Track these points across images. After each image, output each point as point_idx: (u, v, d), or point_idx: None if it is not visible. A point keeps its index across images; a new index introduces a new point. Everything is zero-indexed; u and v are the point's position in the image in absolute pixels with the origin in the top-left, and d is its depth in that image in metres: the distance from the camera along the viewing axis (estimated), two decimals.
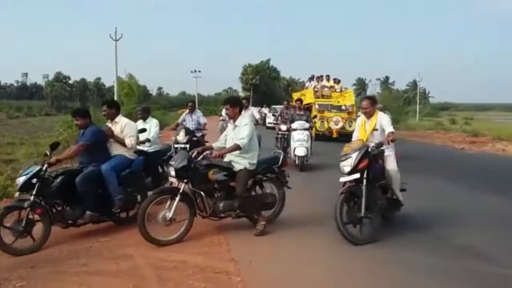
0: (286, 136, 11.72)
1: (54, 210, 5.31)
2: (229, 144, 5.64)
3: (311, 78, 22.78)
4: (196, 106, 11.24)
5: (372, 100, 6.00)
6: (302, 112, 11.16)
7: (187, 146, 8.44)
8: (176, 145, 8.74)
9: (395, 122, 21.53)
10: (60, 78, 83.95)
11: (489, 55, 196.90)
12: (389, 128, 5.67)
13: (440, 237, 5.59)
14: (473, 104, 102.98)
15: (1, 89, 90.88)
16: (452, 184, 9.54)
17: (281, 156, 5.97)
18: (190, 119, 9.89)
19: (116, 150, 5.87)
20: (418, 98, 54.67)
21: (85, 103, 77.85)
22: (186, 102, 11.24)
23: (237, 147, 5.41)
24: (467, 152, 16.71)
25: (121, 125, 5.96)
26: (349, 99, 20.00)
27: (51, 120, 30.65)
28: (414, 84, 69.43)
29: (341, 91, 21.26)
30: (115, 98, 31.46)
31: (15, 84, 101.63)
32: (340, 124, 19.18)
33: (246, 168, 5.47)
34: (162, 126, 33.00)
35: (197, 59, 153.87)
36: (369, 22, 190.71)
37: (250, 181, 5.57)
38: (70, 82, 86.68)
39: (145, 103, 36.97)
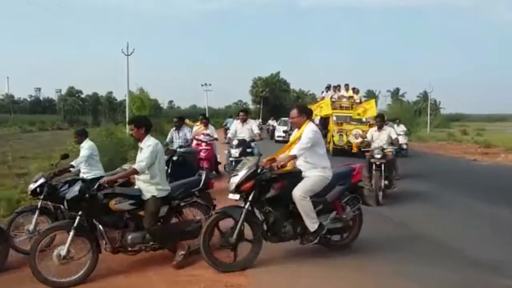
0: None
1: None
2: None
3: (328, 88, 20.72)
4: (208, 119, 11.38)
5: (301, 109, 5.28)
6: None
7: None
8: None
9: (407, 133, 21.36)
10: (73, 93, 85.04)
11: (501, 66, 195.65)
12: (294, 150, 5.00)
13: (448, 250, 5.55)
14: (484, 114, 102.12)
15: (15, 103, 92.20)
16: (460, 194, 9.47)
17: (203, 178, 5.41)
18: (177, 136, 9.46)
19: None
20: (429, 109, 54.35)
21: (97, 117, 78.78)
22: (198, 115, 11.52)
23: (133, 172, 4.82)
24: (479, 163, 16.55)
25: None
26: (370, 111, 17.58)
27: (63, 134, 31.02)
28: (424, 95, 69.18)
29: (360, 101, 19.19)
30: (127, 112, 31.87)
31: (28, 99, 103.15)
32: (361, 138, 17.21)
33: (154, 196, 4.84)
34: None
35: (208, 72, 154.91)
36: (379, 34, 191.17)
37: (165, 209, 4.97)
38: (83, 96, 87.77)
39: (156, 117, 37.42)
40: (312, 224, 4.86)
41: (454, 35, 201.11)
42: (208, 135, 10.43)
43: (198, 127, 10.98)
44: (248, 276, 4.62)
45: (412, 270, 4.79)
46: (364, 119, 17.95)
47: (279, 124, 29.70)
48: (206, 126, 10.65)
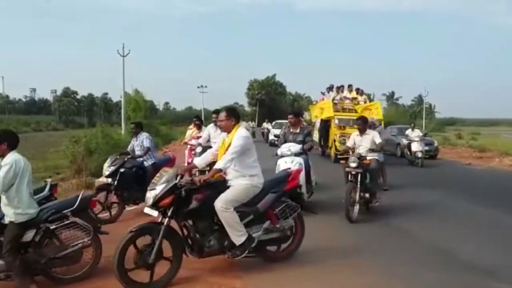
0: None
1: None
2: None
3: (330, 88, 18.69)
4: (203, 121, 11.13)
5: (229, 112, 4.85)
6: (298, 130, 8.02)
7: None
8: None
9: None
10: (68, 93, 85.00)
11: (495, 70, 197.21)
12: (220, 163, 4.54)
13: (444, 252, 5.57)
14: (479, 119, 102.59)
15: (10, 104, 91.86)
16: (455, 198, 9.50)
17: (80, 197, 4.85)
18: (136, 144, 8.28)
19: None
20: (424, 113, 54.62)
21: (92, 118, 78.58)
22: (193, 117, 11.04)
23: None
24: (473, 167, 16.62)
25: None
26: (376, 113, 15.78)
27: (58, 135, 30.88)
28: (419, 99, 69.53)
29: (365, 103, 17.57)
30: (122, 114, 31.79)
31: (23, 99, 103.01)
32: None
33: (12, 221, 4.29)
34: (169, 140, 32.88)
35: (204, 74, 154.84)
36: (374, 37, 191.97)
37: (31, 234, 4.41)
38: (78, 97, 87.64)
39: (152, 118, 37.32)
40: (237, 237, 4.48)
41: (449, 40, 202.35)
42: (200, 137, 9.36)
43: (192, 130, 10.40)
44: (243, 279, 4.63)
45: (407, 273, 4.79)
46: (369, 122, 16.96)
47: (273, 127, 28.70)
48: (199, 128, 10.04)
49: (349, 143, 8.03)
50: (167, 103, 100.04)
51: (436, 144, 19.47)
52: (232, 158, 4.50)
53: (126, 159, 7.67)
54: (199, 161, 4.95)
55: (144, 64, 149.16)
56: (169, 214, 4.34)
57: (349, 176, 7.19)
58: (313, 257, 5.26)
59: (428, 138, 18.76)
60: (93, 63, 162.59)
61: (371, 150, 7.55)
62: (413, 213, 7.86)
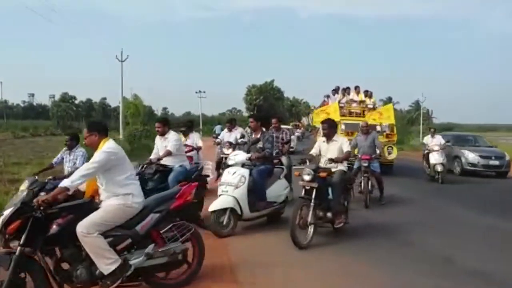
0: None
1: None
2: None
3: (335, 91, 17.12)
4: (201, 126, 11.14)
5: (91, 127, 4.38)
6: (259, 136, 7.38)
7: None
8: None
9: (399, 142, 20.83)
10: (66, 98, 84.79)
11: (493, 76, 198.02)
12: (66, 181, 3.98)
13: (444, 259, 5.58)
14: (477, 124, 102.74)
15: (8, 109, 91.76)
16: (452, 205, 9.52)
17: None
18: (68, 159, 7.09)
19: None
20: (421, 118, 54.66)
21: None
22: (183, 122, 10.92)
23: None
24: None
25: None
26: (387, 118, 14.35)
27: (56, 140, 30.87)
28: (417, 105, 69.60)
29: (374, 107, 15.89)
30: (120, 119, 31.79)
31: (22, 104, 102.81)
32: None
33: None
34: None
35: (202, 79, 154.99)
36: (373, 43, 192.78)
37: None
38: (76, 102, 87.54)
39: (150, 124, 37.27)
40: (105, 265, 3.90)
41: (446, 45, 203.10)
42: (186, 145, 8.84)
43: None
44: (239, 284, 4.64)
45: (407, 279, 4.82)
46: (379, 127, 14.69)
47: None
48: (186, 135, 9.50)
49: (313, 151, 6.97)
50: (165, 108, 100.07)
51: (507, 158, 15.30)
52: (83, 175, 3.99)
53: (46, 181, 5.96)
54: (67, 183, 3.93)
55: (142, 69, 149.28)
56: (21, 241, 3.71)
57: (304, 191, 6.14)
58: (312, 265, 5.28)
59: (495, 149, 16.36)
60: (91, 69, 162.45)
61: (331, 161, 6.50)
62: (408, 217, 7.87)
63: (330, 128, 6.87)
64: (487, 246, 6.25)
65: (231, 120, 11.76)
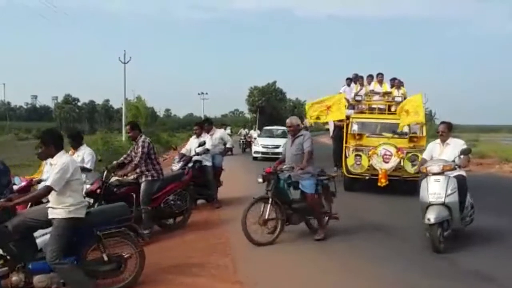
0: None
1: None
2: None
3: (351, 80, 13.11)
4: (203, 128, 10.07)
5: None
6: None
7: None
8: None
9: None
10: (69, 100, 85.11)
11: (495, 77, 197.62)
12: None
13: (444, 259, 5.57)
14: (478, 125, 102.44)
15: (11, 111, 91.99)
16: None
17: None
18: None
19: None
20: (425, 119, 54.57)
21: (93, 125, 78.67)
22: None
23: None
24: (473, 173, 16.60)
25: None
26: (414, 114, 10.10)
27: None
28: None
29: (402, 100, 10.92)
30: (123, 120, 31.88)
31: (25, 106, 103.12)
32: (394, 161, 9.75)
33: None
34: (169, 148, 32.99)
35: (205, 80, 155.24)
36: (374, 43, 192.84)
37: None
38: (79, 104, 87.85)
39: (153, 125, 37.34)
40: None
41: (449, 46, 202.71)
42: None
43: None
44: (242, 285, 4.65)
45: (407, 279, 4.83)
46: (407, 128, 10.84)
47: (260, 136, 22.22)
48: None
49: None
50: (168, 110, 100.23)
51: None
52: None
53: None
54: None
55: (145, 70, 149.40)
56: None
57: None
58: (314, 263, 5.31)
59: None
60: (94, 70, 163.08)
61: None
62: (409, 219, 7.89)
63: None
64: (491, 247, 6.25)
65: (203, 122, 9.47)
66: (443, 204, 5.73)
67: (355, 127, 10.82)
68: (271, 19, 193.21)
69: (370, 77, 12.82)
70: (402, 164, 9.74)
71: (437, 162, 6.10)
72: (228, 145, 10.24)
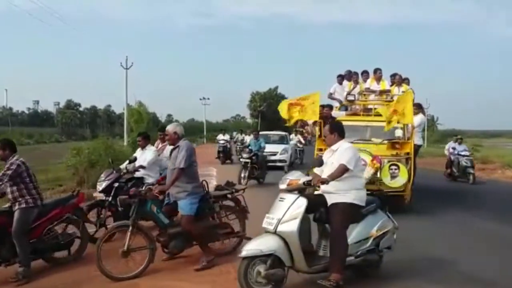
0: None
1: None
2: None
3: (345, 77, 11.02)
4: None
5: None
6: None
7: None
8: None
9: None
10: (71, 106, 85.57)
11: (497, 82, 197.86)
12: None
13: (443, 263, 5.54)
14: (481, 130, 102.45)
15: (13, 116, 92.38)
16: (456, 209, 9.44)
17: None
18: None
19: None
20: (426, 124, 54.55)
21: (95, 130, 78.85)
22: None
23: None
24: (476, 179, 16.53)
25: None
26: (402, 115, 8.26)
27: (61, 147, 31.01)
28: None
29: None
30: (125, 126, 31.90)
31: (27, 112, 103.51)
32: (367, 172, 7.61)
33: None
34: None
35: (207, 86, 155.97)
36: (375, 49, 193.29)
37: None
38: (81, 109, 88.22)
39: (154, 131, 37.31)
40: None
41: (450, 51, 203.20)
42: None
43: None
44: None
45: (410, 286, 4.78)
46: (400, 133, 8.99)
47: (250, 139, 18.43)
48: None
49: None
50: (169, 115, 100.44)
51: None
52: None
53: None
54: None
55: (147, 76, 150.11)
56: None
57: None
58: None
59: None
60: (96, 76, 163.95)
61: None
62: (410, 225, 7.84)
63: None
64: (495, 253, 6.19)
65: (158, 131, 8.78)
66: (274, 232, 4.28)
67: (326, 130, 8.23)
68: (273, 25, 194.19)
69: (366, 74, 10.81)
70: (379, 175, 7.91)
71: (293, 174, 4.77)
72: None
